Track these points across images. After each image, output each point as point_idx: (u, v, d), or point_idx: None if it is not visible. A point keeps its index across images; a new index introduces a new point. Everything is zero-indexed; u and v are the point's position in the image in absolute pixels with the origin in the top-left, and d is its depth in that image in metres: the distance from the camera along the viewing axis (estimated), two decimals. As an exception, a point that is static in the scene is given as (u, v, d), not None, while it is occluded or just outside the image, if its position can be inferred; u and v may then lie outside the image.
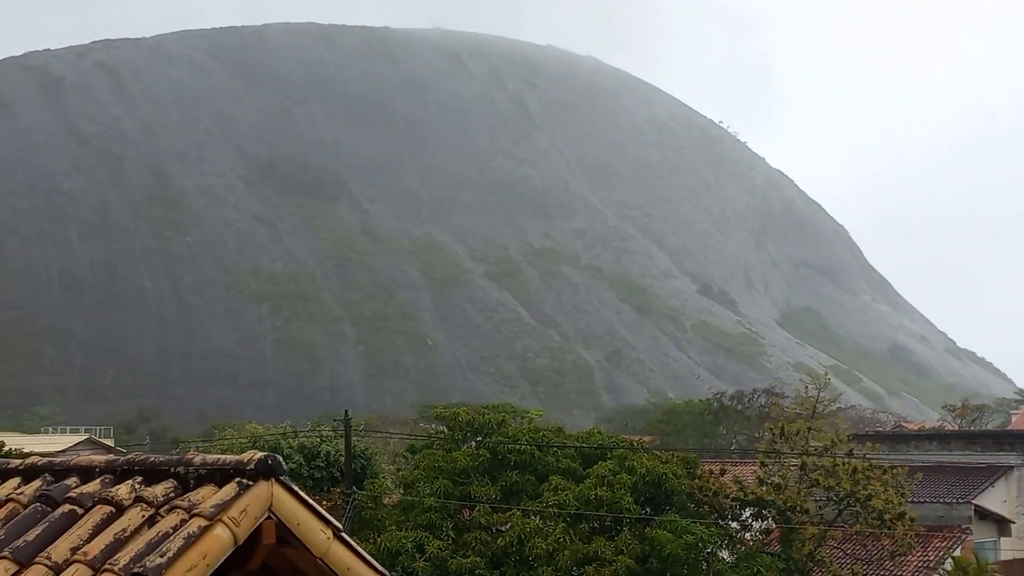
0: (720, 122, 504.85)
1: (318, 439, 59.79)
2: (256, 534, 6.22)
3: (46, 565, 6.00)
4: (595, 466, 41.76)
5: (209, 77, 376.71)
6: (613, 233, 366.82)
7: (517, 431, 45.51)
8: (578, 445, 44.85)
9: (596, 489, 39.53)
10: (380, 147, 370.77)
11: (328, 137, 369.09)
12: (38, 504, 6.64)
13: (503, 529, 39.96)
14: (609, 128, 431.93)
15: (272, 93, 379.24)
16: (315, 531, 6.49)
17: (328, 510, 12.08)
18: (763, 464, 44.08)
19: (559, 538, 38.36)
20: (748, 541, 42.57)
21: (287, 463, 31.39)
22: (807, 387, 46.41)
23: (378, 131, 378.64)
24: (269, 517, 6.25)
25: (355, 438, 55.05)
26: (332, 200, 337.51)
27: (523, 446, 42.47)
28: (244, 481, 6.25)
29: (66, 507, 6.51)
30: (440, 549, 38.90)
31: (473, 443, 45.07)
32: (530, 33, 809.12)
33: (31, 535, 6.28)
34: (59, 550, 6.10)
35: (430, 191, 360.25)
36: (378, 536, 41.18)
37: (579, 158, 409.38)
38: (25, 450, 51.82)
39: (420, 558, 38.73)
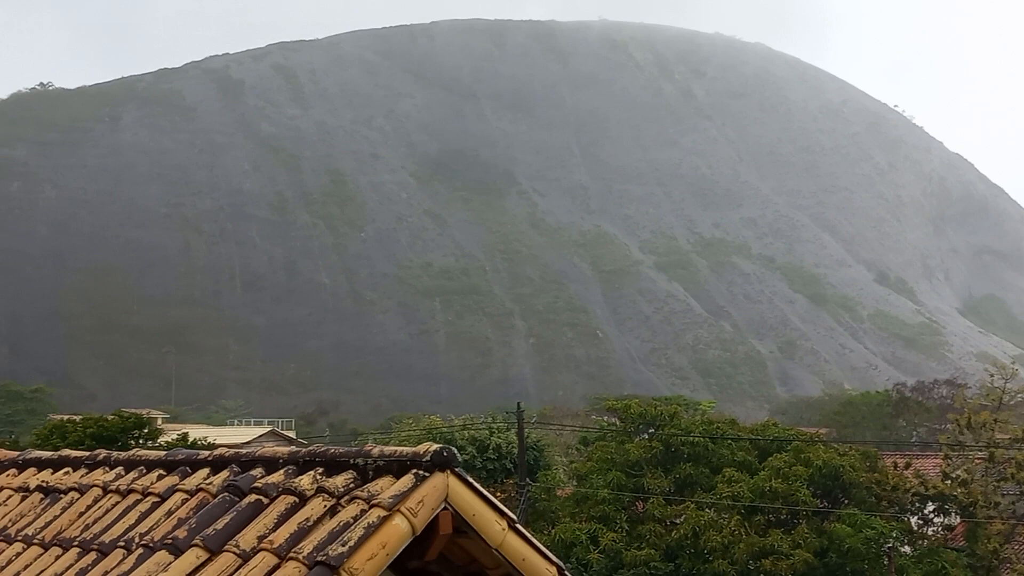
0: (895, 106, 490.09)
1: (487, 432, 60.30)
2: (433, 524, 6.31)
3: (235, 553, 6.21)
4: (770, 458, 41.15)
5: (380, 76, 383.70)
6: (784, 222, 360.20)
7: (690, 423, 45.18)
8: (752, 437, 44.26)
9: (771, 481, 38.96)
10: (548, 140, 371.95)
11: (497, 132, 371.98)
12: (226, 494, 6.87)
13: (677, 521, 39.72)
14: (779, 115, 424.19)
15: (441, 90, 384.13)
16: (490, 522, 6.55)
17: (502, 501, 12.19)
18: (947, 457, 42.66)
19: (734, 531, 37.94)
20: (930, 536, 41.33)
21: (461, 455, 31.77)
22: (992, 377, 44.80)
23: (546, 124, 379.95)
24: (445, 508, 6.34)
25: (527, 430, 55.37)
26: (501, 194, 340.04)
27: (696, 438, 42.13)
28: (420, 472, 6.35)
29: (252, 497, 6.72)
30: (614, 541, 38.89)
31: (646, 435, 44.88)
32: (697, 22, 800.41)
33: (220, 524, 6.50)
34: (246, 538, 6.30)
35: (598, 183, 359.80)
36: (552, 527, 41.39)
37: (748, 146, 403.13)
38: (213, 441, 53.70)
39: (594, 550, 38.79)
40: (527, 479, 47.99)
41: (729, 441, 42.79)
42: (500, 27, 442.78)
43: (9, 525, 7.71)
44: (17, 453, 8.96)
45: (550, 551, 7.01)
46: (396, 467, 6.48)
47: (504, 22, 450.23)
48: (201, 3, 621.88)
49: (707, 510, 39.41)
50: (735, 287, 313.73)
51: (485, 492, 6.61)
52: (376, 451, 6.72)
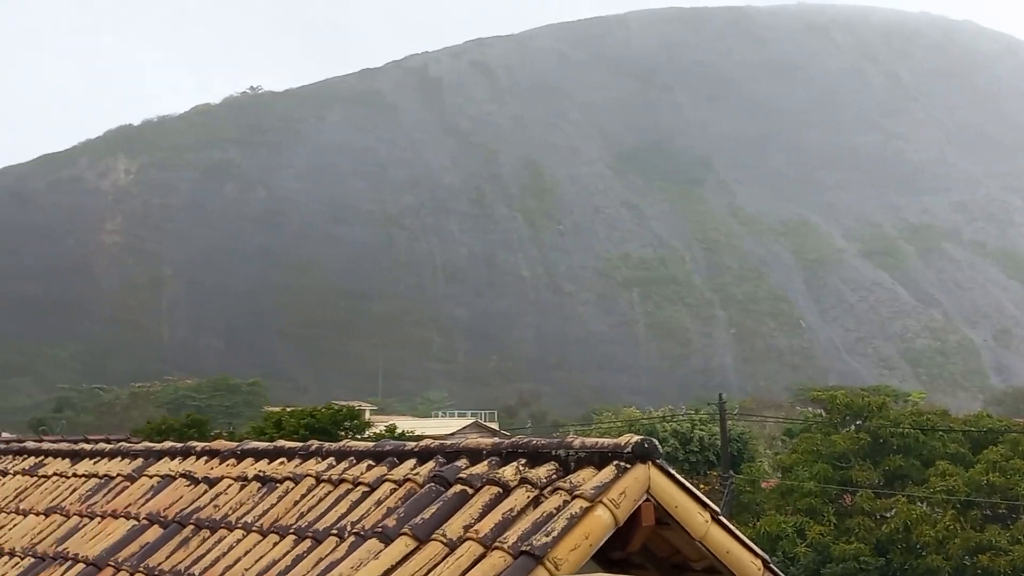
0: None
1: (689, 424, 59.89)
2: (635, 516, 6.33)
3: (442, 541, 6.36)
4: (985, 451, 39.64)
5: (575, 68, 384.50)
6: (997, 206, 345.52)
7: (899, 414, 43.97)
8: (966, 429, 42.74)
9: (988, 475, 37.54)
10: (745, 128, 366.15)
11: (693, 120, 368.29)
12: (432, 484, 7.03)
13: (887, 515, 38.70)
14: (990, 95, 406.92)
15: (636, 80, 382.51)
16: (693, 514, 6.53)
17: (705, 494, 12.07)
18: None
19: (948, 525, 36.74)
20: None
21: (663, 447, 31.66)
22: None
23: (743, 111, 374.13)
24: (647, 499, 6.34)
25: (730, 422, 54.78)
26: (698, 183, 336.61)
27: (906, 430, 40.97)
28: (622, 464, 6.37)
29: (457, 487, 6.86)
30: (821, 534, 38.17)
31: (853, 426, 43.86)
32: (901, 1, 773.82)
33: (427, 513, 6.67)
34: (453, 527, 6.44)
35: (798, 170, 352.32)
36: (757, 520, 40.88)
37: (957, 128, 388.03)
38: (418, 433, 54.87)
39: (801, 543, 38.15)
40: (730, 471, 47.49)
41: (940, 433, 41.41)
42: (695, 14, 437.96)
43: (230, 513, 8.07)
44: (236, 444, 9.35)
45: (755, 544, 6.94)
46: (597, 458, 6.52)
47: (699, 9, 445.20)
48: (400, 3, 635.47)
49: (919, 504, 38.26)
50: (945, 274, 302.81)
51: (687, 484, 6.59)
52: (577, 442, 6.77)
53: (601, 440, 6.69)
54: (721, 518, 6.71)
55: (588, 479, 6.35)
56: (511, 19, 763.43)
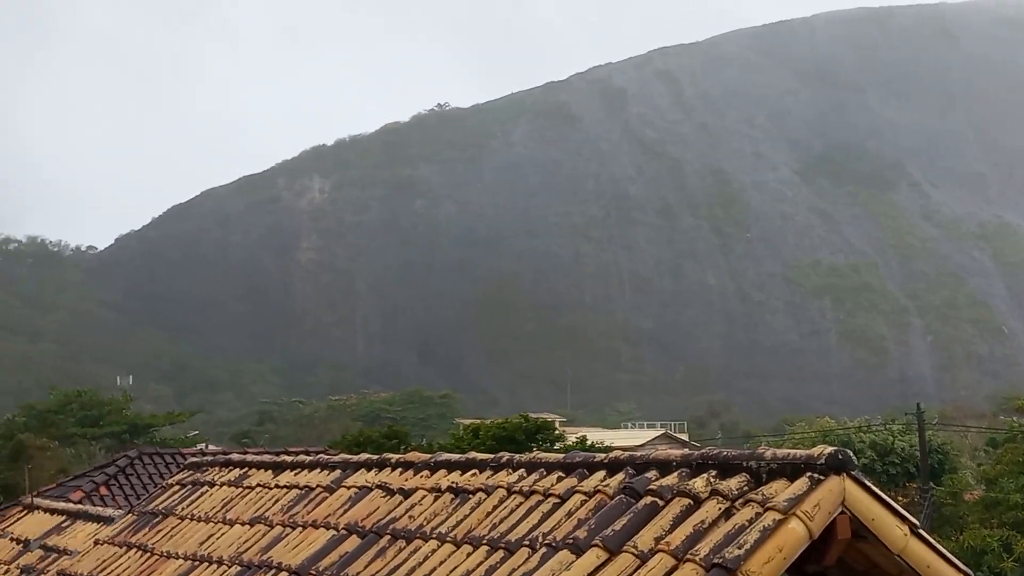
0: None
1: (889, 436, 58.25)
2: (830, 529, 6.22)
3: (633, 553, 6.36)
4: None
5: (760, 74, 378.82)
6: None
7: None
8: None
9: None
10: (940, 128, 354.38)
11: (883, 122, 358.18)
12: (622, 495, 7.04)
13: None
14: None
15: (823, 83, 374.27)
16: (891, 527, 6.38)
17: (904, 506, 11.76)
18: None
19: None
20: None
21: (859, 459, 30.92)
22: None
23: (937, 111, 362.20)
24: (843, 512, 6.23)
25: (929, 432, 53.07)
26: (890, 187, 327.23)
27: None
28: (815, 476, 6.27)
29: (648, 499, 6.85)
30: (1029, 549, 36.64)
31: (1061, 437, 42.00)
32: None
33: (618, 525, 6.68)
34: (643, 539, 6.44)
35: (997, 171, 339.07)
36: (960, 534, 39.50)
37: None
38: (607, 444, 54.88)
39: (1008, 558, 36.68)
40: (931, 484, 46.00)
41: None
42: (884, 13, 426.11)
43: (425, 523, 8.23)
44: (429, 456, 9.53)
45: (958, 559, 6.73)
46: (790, 470, 6.43)
47: (888, 8, 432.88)
48: (582, 14, 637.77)
49: None
50: None
51: (884, 496, 6.44)
52: (769, 453, 6.69)
53: (793, 451, 6.60)
54: (921, 531, 6.54)
55: (781, 491, 6.27)
56: (694, 27, 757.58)
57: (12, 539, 14.73)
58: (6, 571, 13.71)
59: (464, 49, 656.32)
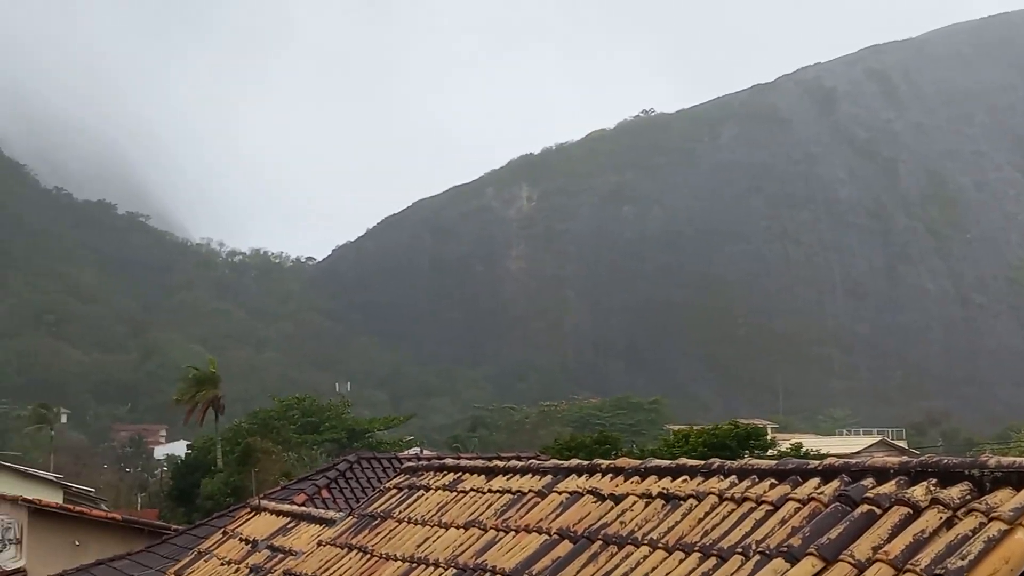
0: None
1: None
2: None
3: (850, 563, 6.24)
4: None
5: (979, 70, 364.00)
6: None
7: None
8: None
9: None
10: None
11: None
12: (838, 503, 6.91)
13: None
14: None
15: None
16: None
17: None
18: None
19: None
20: None
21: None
22: None
23: None
24: (1073, 523, 5.96)
25: None
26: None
27: None
28: (1044, 485, 6.03)
29: (864, 507, 6.71)
30: None
31: None
32: None
33: (833, 533, 6.56)
34: (861, 548, 6.31)
35: None
36: None
37: None
38: (822, 451, 53.70)
39: None
40: None
41: None
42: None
43: (636, 529, 8.25)
44: (639, 461, 9.55)
45: None
46: (1016, 479, 6.20)
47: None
48: (789, 14, 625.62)
49: None
50: None
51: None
52: (993, 461, 6.47)
53: (1019, 460, 6.36)
54: None
55: (1006, 500, 6.04)
56: (906, 23, 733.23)
57: (241, 539, 15.39)
58: (236, 570, 14.33)
59: (669, 53, 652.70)
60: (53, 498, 44.40)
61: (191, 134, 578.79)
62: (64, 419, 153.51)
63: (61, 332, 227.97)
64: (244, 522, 16.32)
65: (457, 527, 10.53)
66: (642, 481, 9.06)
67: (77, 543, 25.90)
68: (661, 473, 8.98)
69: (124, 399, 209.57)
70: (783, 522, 7.12)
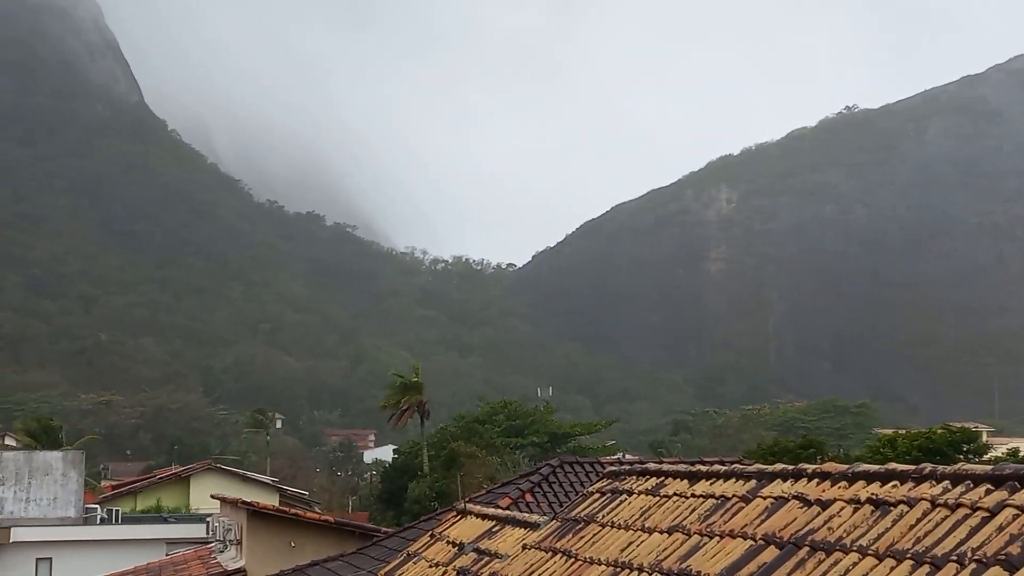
0: None
1: None
2: None
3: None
4: None
5: None
6: None
7: None
8: None
9: None
10: None
11: None
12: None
13: None
14: None
15: None
16: None
17: None
18: None
19: None
20: None
21: None
22: None
23: None
24: None
25: None
26: None
27: None
28: None
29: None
30: None
31: None
32: None
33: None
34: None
35: None
36: None
37: None
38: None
39: None
40: None
41: None
42: None
43: (844, 535, 8.10)
44: (847, 466, 9.37)
45: None
46: None
47: None
48: (1000, 6, 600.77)
49: None
50: None
51: None
52: None
53: None
54: None
55: None
56: None
57: (448, 542, 15.70)
58: (443, 572, 14.63)
59: (871, 47, 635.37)
60: (270, 500, 46.28)
61: (395, 144, 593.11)
62: (279, 424, 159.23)
63: (276, 340, 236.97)
64: (451, 525, 16.63)
65: (660, 532, 10.52)
66: (850, 486, 8.88)
67: (293, 544, 26.79)
68: (870, 478, 8.79)
69: (335, 404, 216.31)
70: (1000, 529, 6.89)
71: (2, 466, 42.15)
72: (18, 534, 39.58)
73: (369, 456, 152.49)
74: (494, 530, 14.81)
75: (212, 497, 38.05)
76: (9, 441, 77.23)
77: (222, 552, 30.39)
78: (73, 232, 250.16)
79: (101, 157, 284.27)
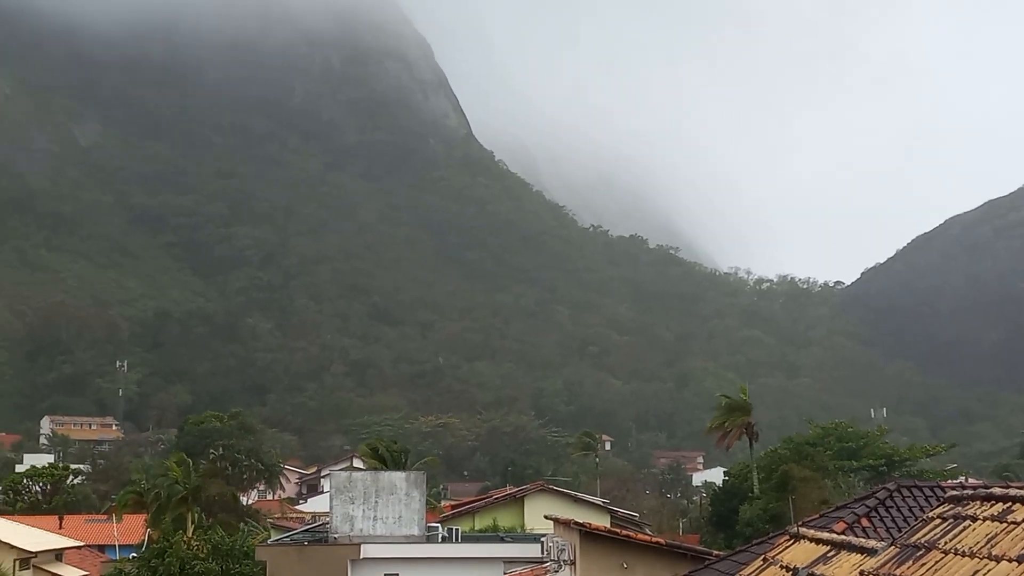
0: None
1: None
2: None
3: None
4: None
5: None
6: None
7: None
8: None
9: None
10: None
11: None
12: None
13: None
14: None
15: None
16: None
17: None
18: None
19: None
20: None
21: None
22: None
23: None
24: None
25: None
26: None
27: None
28: None
29: None
30: None
31: None
32: None
33: None
34: None
35: None
36: None
37: None
38: None
39: None
40: None
41: None
42: None
43: None
44: None
45: None
46: None
47: None
48: None
49: None
50: None
51: None
52: None
53: None
54: None
55: None
56: None
57: (781, 567, 15.59)
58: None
59: None
60: (601, 521, 46.93)
61: (706, 163, 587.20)
62: (608, 446, 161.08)
63: (602, 362, 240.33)
64: (783, 549, 16.50)
65: (1009, 560, 10.12)
66: None
67: (625, 565, 27.10)
68: None
69: (662, 426, 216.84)
70: None
71: (353, 486, 44.73)
72: (367, 550, 41.81)
73: (698, 478, 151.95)
74: (829, 555, 14.61)
75: (545, 517, 39.02)
76: (357, 463, 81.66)
77: (556, 572, 31.07)
78: (411, 261, 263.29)
79: (435, 189, 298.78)
